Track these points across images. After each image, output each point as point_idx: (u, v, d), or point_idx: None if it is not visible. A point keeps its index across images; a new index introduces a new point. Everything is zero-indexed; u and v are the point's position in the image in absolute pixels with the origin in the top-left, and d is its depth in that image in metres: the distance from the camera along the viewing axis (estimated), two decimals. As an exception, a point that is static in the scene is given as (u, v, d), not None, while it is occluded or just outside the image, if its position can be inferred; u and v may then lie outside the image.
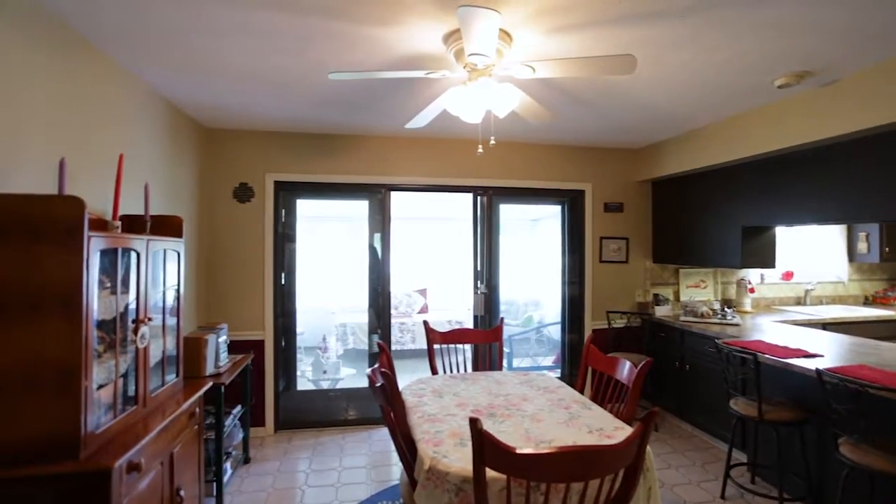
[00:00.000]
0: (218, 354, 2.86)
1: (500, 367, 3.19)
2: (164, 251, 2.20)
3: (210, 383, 2.46)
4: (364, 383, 4.23)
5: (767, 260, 3.59)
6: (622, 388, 2.34)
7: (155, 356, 2.11)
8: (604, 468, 1.38)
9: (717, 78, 2.58)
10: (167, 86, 2.74)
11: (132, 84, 2.54)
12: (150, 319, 1.96)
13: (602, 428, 1.95)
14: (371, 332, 4.12)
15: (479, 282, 4.19)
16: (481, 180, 4.15)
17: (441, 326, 7.14)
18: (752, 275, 4.66)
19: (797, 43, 2.16)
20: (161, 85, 2.73)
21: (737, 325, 3.72)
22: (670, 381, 3.97)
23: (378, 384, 1.93)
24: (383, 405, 1.96)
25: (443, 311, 7.88)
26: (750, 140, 3.16)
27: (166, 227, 2.34)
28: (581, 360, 2.69)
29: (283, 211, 3.95)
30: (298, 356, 5.59)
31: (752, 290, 4.54)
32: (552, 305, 7.49)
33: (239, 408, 3.17)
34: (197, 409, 2.28)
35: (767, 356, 2.66)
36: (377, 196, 4.05)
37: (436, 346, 3.15)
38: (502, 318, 3.34)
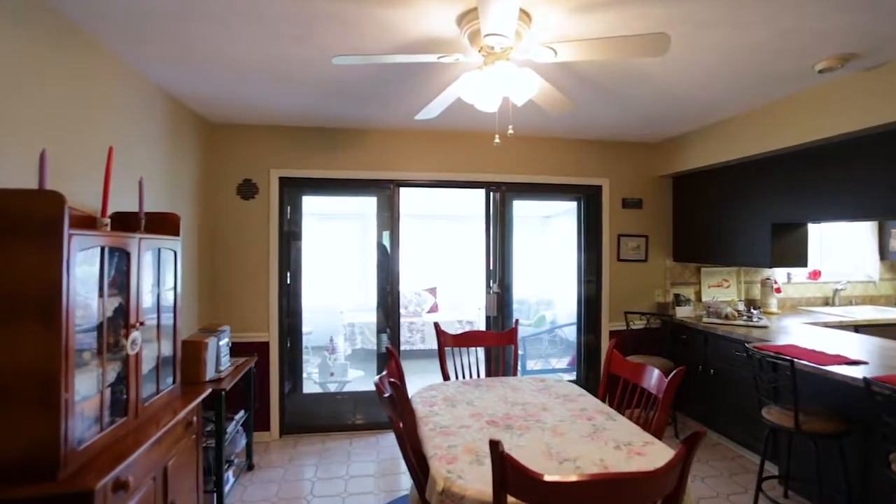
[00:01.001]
0: (219, 358, 2.73)
1: (514, 372, 3.03)
2: (159, 250, 2.07)
3: (209, 390, 2.33)
4: (372, 386, 4.09)
5: (799, 258, 3.38)
6: (648, 397, 2.17)
7: (149, 362, 1.98)
8: (641, 498, 1.21)
9: (752, 61, 2.39)
10: (165, 77, 2.61)
11: (128, 76, 2.41)
12: (142, 324, 1.83)
13: (630, 443, 1.78)
14: (379, 332, 3.98)
15: (491, 281, 4.03)
16: (494, 175, 3.98)
17: (451, 326, 6.99)
18: (778, 274, 4.44)
19: (842, 21, 1.96)
20: (159, 77, 2.59)
21: (764, 327, 3.52)
22: (693, 386, 3.78)
23: (386, 394, 1.78)
24: (392, 416, 1.81)
25: (453, 311, 7.72)
26: (784, 130, 2.95)
27: (163, 224, 2.21)
28: (603, 366, 2.51)
29: (289, 208, 3.82)
30: (305, 357, 5.47)
31: (778, 290, 4.32)
32: (564, 305, 7.30)
33: (242, 413, 3.04)
34: (195, 418, 2.15)
35: (805, 363, 2.46)
36: (385, 192, 3.90)
37: (447, 349, 2.99)
38: (517, 320, 3.17)
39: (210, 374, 2.62)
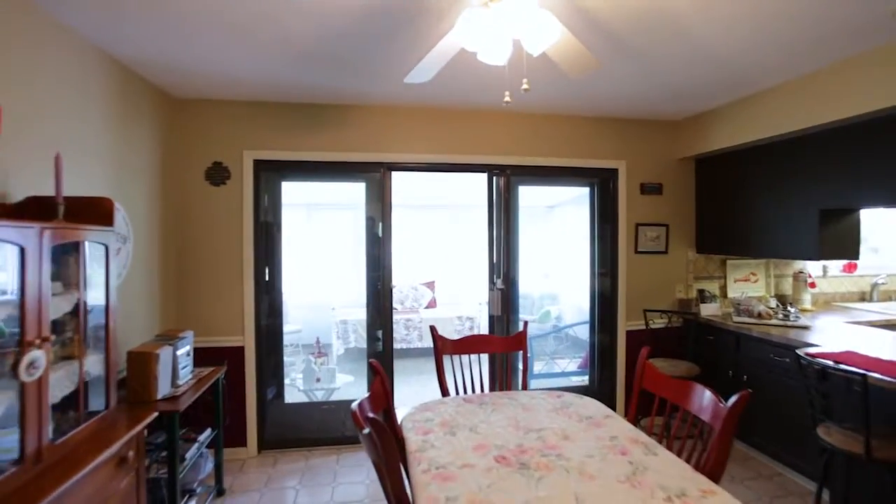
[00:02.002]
0: (176, 371, 2.31)
1: (524, 384, 2.61)
2: (81, 244, 1.63)
3: (155, 413, 1.91)
4: (364, 393, 3.68)
5: (849, 249, 2.95)
6: (691, 420, 1.76)
7: (67, 385, 1.56)
8: None
9: (810, 11, 1.94)
10: (100, 34, 2.15)
11: (50, 29, 1.96)
12: (45, 340, 1.40)
13: (684, 492, 1.37)
14: (371, 330, 3.56)
15: (495, 276, 3.60)
16: (498, 158, 3.53)
17: (451, 323, 6.58)
18: (811, 267, 4.02)
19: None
20: (94, 34, 2.14)
21: (804, 327, 3.10)
22: (720, 391, 3.36)
23: (365, 431, 1.36)
24: (374, 460, 1.39)
25: (452, 306, 7.31)
26: (842, 99, 2.50)
27: (91, 212, 1.77)
28: (634, 380, 2.10)
29: (266, 195, 3.37)
30: (290, 361, 5.05)
31: (812, 285, 3.90)
32: (570, 299, 6.89)
33: (208, 432, 2.63)
34: (131, 452, 1.73)
35: (879, 376, 2.04)
36: (375, 177, 3.46)
37: (446, 357, 2.58)
38: (526, 323, 2.75)
39: (164, 390, 2.20)
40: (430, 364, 6.22)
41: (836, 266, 4.13)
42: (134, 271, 2.58)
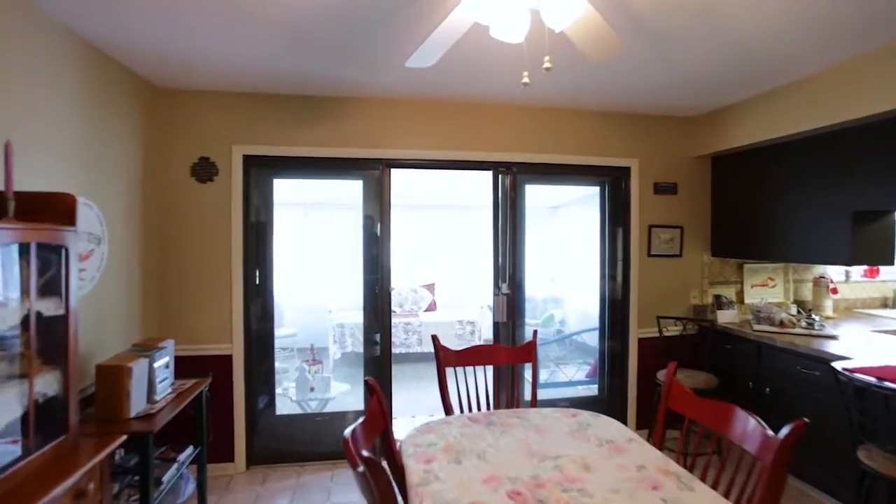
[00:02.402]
0: (153, 385, 2.10)
1: (534, 400, 2.40)
2: (31, 246, 1.42)
3: (122, 438, 1.69)
4: (360, 404, 3.47)
5: (884, 254, 2.75)
6: (716, 440, 1.56)
7: (14, 410, 1.35)
8: None
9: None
10: (73, 15, 1.94)
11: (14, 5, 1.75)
12: (-19, 359, 1.19)
13: (733, 541, 1.16)
14: (367, 335, 3.35)
15: (500, 280, 3.39)
16: (504, 154, 3.33)
17: (451, 328, 6.37)
18: (832, 271, 3.82)
19: None
20: (65, 13, 1.93)
21: (832, 337, 2.90)
22: (740, 404, 3.15)
23: (359, 469, 1.15)
24: (370, 502, 1.19)
25: (452, 310, 7.10)
26: (883, 91, 2.30)
27: (48, 209, 1.56)
28: (660, 400, 1.89)
29: (257, 193, 3.16)
30: (282, 367, 4.83)
31: (834, 291, 3.70)
32: (575, 303, 6.69)
33: (190, 450, 2.41)
34: (92, 484, 1.52)
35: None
36: (374, 174, 3.25)
37: (448, 368, 2.37)
38: (535, 332, 2.54)
39: (138, 407, 1.99)
40: (430, 370, 6.02)
41: (857, 270, 3.93)
42: (110, 275, 2.36)
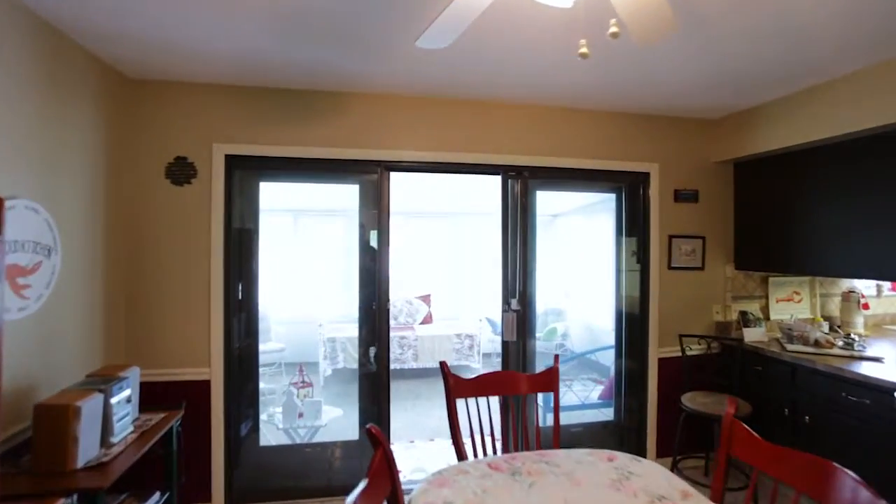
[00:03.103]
0: (109, 425, 1.75)
1: (556, 438, 2.09)
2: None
3: (60, 501, 1.35)
4: (354, 432, 3.13)
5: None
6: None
7: None
8: None
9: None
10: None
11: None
12: None
13: None
14: (363, 350, 3.02)
15: (509, 296, 3.09)
16: (513, 157, 3.04)
17: (448, 341, 6.05)
18: (861, 285, 3.58)
19: None
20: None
21: (877, 359, 2.63)
22: (775, 434, 2.88)
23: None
24: None
25: (449, 322, 6.78)
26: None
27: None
28: (719, 445, 1.59)
29: (241, 198, 2.84)
30: (269, 388, 4.47)
31: (866, 307, 3.46)
32: (578, 316, 6.41)
33: (157, 497, 2.06)
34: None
35: None
36: (371, 178, 2.95)
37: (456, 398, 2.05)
38: (557, 357, 2.24)
39: (88, 454, 1.64)
40: (427, 388, 5.68)
41: (886, 284, 3.70)
42: (63, 292, 2.02)
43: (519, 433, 2.35)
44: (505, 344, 3.11)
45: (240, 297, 2.86)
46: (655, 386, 3.25)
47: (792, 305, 3.51)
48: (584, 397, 4.15)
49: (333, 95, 2.82)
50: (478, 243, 7.48)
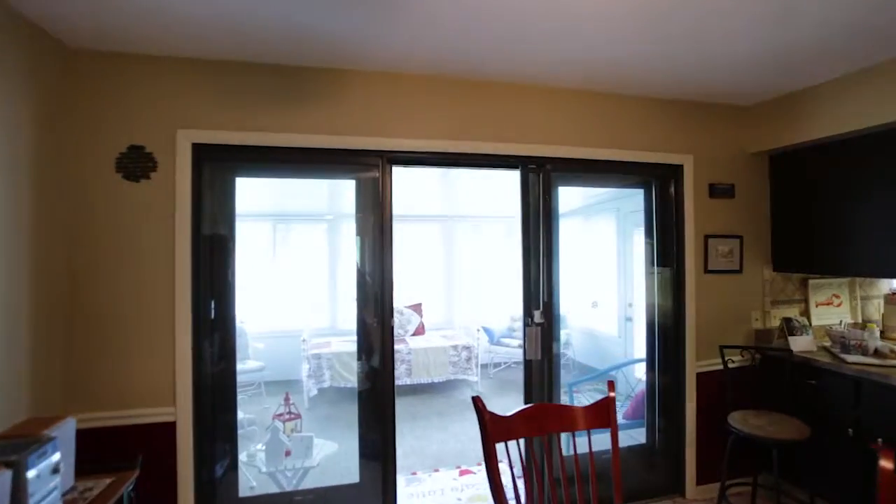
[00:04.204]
0: (25, 510, 1.24)
1: (617, 494, 1.67)
2: None
3: None
4: (354, 472, 2.64)
5: None
6: None
7: None
8: None
9: None
10: None
11: None
12: None
13: None
14: (363, 364, 2.55)
15: (532, 307, 2.67)
16: (535, 148, 2.64)
17: (444, 354, 5.60)
18: (901, 286, 3.31)
19: None
20: None
21: (951, 371, 2.33)
22: (836, 460, 2.54)
23: None
24: None
25: (442, 333, 6.33)
26: None
27: None
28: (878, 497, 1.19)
29: (212, 196, 2.34)
30: (248, 419, 3.92)
31: (914, 309, 3.18)
32: (579, 323, 6.05)
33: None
34: None
35: None
36: (371, 172, 2.50)
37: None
38: (611, 383, 1.83)
39: (-8, 557, 1.13)
40: (423, 405, 5.17)
41: (923, 284, 3.45)
42: (-31, 319, 1.50)
43: (544, 471, 1.91)
44: (528, 363, 2.69)
45: (213, 315, 2.36)
46: (694, 404, 2.89)
47: (832, 309, 3.21)
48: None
49: (327, 74, 2.36)
50: (472, 248, 7.08)
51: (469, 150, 2.55)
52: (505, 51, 2.18)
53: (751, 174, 3.07)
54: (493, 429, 1.62)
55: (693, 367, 2.89)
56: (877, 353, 2.60)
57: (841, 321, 3.04)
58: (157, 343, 2.13)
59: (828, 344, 2.89)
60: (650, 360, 3.03)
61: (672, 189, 2.92)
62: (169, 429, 2.12)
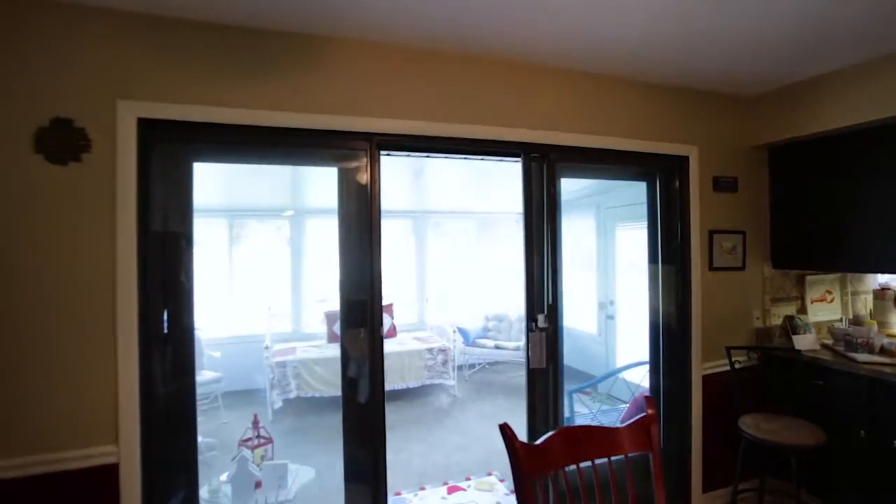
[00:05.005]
0: None
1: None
2: None
3: None
4: (339, 497, 2.29)
5: None
6: None
7: None
8: None
9: None
10: None
11: None
12: None
13: None
14: (348, 372, 2.22)
15: (535, 311, 2.42)
16: (539, 135, 2.38)
17: (419, 358, 5.30)
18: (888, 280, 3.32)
19: None
20: None
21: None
22: (849, 465, 2.45)
23: None
24: None
25: (414, 334, 6.02)
26: None
27: None
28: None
29: (163, 184, 1.92)
30: (207, 444, 3.45)
31: (901, 304, 3.18)
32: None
33: None
34: None
35: None
36: (356, 157, 2.15)
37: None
38: (648, 398, 1.60)
39: None
40: (398, 414, 4.73)
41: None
42: None
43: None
44: (531, 373, 2.43)
45: (166, 327, 1.95)
46: (700, 408, 2.74)
47: (825, 305, 3.17)
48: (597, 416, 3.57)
49: (304, 40, 1.99)
50: (443, 245, 6.81)
51: (467, 134, 2.26)
52: (507, 21, 1.90)
53: (752, 167, 2.96)
54: (529, 464, 1.34)
55: (699, 368, 2.74)
56: (883, 350, 2.53)
57: (842, 318, 2.99)
58: (95, 367, 1.71)
59: (829, 342, 2.82)
60: (653, 363, 2.86)
61: (677, 182, 2.75)
62: (110, 473, 1.70)
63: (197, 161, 2.02)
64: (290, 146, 2.09)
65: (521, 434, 3.44)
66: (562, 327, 2.53)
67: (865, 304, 3.28)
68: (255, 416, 2.52)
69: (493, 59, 2.29)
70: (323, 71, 2.02)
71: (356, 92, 2.07)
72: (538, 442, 1.44)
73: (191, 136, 1.93)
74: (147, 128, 1.81)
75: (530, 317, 2.43)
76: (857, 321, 2.94)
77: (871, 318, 3.12)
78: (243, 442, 2.44)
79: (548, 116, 2.40)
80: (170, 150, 1.93)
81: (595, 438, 1.53)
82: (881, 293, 3.13)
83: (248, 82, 1.92)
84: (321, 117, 2.01)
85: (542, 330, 2.42)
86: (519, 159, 2.42)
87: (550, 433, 1.49)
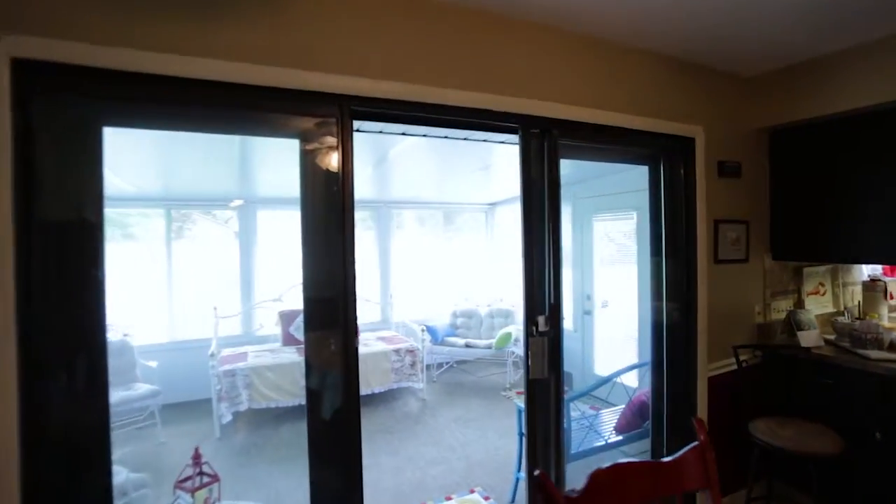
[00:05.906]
0: None
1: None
2: None
3: None
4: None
5: None
6: None
7: None
8: None
9: None
10: None
11: None
12: None
13: None
14: (316, 375, 1.80)
15: (535, 313, 2.09)
16: (539, 106, 2.03)
17: (386, 360, 4.89)
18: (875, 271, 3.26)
19: None
20: None
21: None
22: (862, 466, 2.30)
23: None
24: None
25: (379, 335, 5.58)
26: None
27: None
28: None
29: (58, 154, 1.41)
30: (135, 481, 2.86)
31: (892, 296, 3.12)
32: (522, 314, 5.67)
33: None
34: None
35: None
36: (323, 127, 1.72)
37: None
38: (700, 421, 1.30)
39: None
40: (365, 422, 4.03)
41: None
42: None
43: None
44: (531, 384, 2.10)
45: (66, 335, 1.45)
46: (706, 412, 2.52)
47: (818, 298, 3.05)
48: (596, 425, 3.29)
49: (253, -33, 1.53)
50: (408, 237, 6.41)
51: (457, 102, 1.87)
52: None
53: (754, 152, 2.76)
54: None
55: (705, 369, 2.51)
56: (892, 346, 2.40)
57: (844, 312, 2.87)
58: (-51, 410, 1.20)
59: (832, 337, 2.68)
60: (655, 364, 2.61)
61: (682, 166, 2.50)
62: (-22, 558, 1.21)
63: (108, 125, 1.51)
64: (237, 108, 1.62)
65: (512, 454, 3.10)
66: (563, 333, 2.21)
67: (853, 297, 3.20)
68: (197, 448, 2.02)
69: (490, 16, 1.91)
70: (284, 14, 1.57)
71: (324, 42, 1.63)
72: (577, 492, 1.10)
73: (98, 88, 1.42)
74: (28, 72, 1.30)
75: (530, 319, 2.09)
76: (860, 315, 2.82)
77: (859, 309, 3.04)
78: (181, 483, 1.95)
79: (550, 85, 2.06)
80: (67, 109, 1.42)
81: (645, 477, 1.21)
82: (872, 284, 3.04)
83: (181, 18, 1.44)
84: (280, 71, 1.56)
85: (543, 335, 2.09)
86: (515, 135, 2.06)
87: (590, 476, 1.15)
